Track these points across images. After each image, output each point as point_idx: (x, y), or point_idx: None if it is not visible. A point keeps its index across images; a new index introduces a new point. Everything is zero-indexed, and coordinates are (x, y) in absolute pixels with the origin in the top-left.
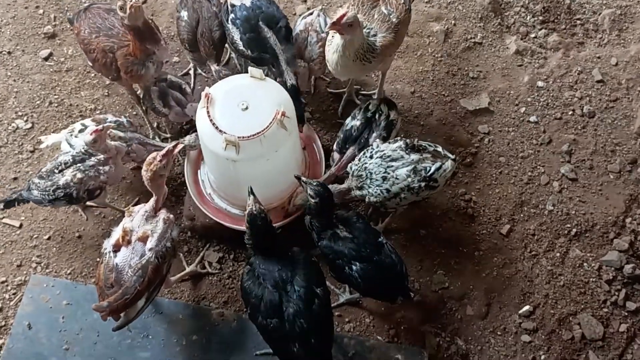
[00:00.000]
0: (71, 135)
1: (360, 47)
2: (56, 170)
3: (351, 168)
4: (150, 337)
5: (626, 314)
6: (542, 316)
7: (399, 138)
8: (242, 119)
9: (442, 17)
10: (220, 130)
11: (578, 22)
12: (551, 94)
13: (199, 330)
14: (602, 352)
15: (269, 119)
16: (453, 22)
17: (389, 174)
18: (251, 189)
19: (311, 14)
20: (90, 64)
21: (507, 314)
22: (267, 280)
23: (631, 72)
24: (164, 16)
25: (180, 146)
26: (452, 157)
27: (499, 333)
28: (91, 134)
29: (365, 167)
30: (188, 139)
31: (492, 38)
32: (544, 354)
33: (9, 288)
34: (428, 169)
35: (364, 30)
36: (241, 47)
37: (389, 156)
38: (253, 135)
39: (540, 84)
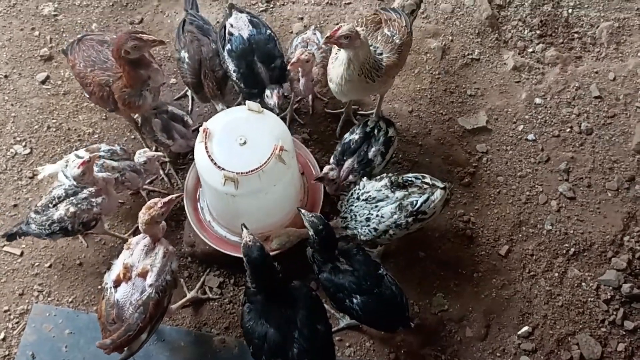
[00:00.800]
0: (66, 166)
1: (366, 62)
2: (50, 205)
3: (340, 206)
4: None
5: (624, 333)
6: (541, 337)
7: (384, 175)
8: (240, 154)
9: (440, 33)
10: (219, 166)
11: (576, 35)
12: (549, 111)
13: (201, 357)
14: None
15: (267, 154)
16: (450, 38)
17: (372, 214)
18: (244, 224)
19: (306, 33)
20: (87, 96)
21: (506, 335)
22: (269, 320)
23: (629, 87)
24: (160, 37)
25: (178, 196)
26: (442, 185)
27: (498, 354)
28: (78, 167)
29: (351, 210)
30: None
31: (489, 54)
32: None
33: (11, 317)
34: (415, 202)
35: (371, 47)
36: (234, 79)
37: (374, 197)
38: (251, 171)
39: (538, 100)
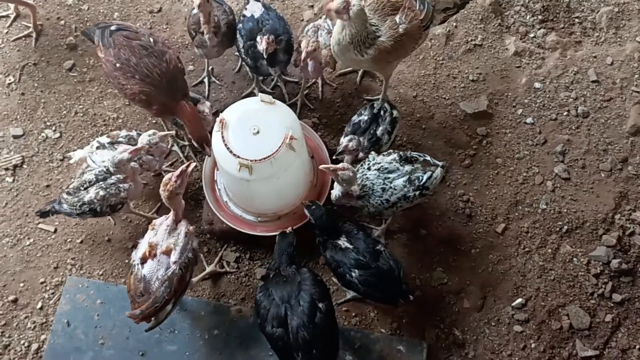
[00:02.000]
0: (91, 152)
1: (357, 34)
2: (82, 188)
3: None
4: (176, 332)
5: (612, 305)
6: (533, 308)
7: (392, 151)
8: (253, 142)
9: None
10: (234, 154)
11: (576, 20)
12: (547, 95)
13: (220, 325)
14: (588, 341)
15: (279, 143)
16: (454, 24)
17: (387, 185)
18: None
19: (317, 20)
20: (114, 85)
21: (501, 307)
22: (275, 294)
23: (626, 72)
24: (177, 25)
25: (192, 165)
26: (440, 164)
27: (493, 324)
28: (129, 152)
29: (367, 178)
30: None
31: (492, 39)
32: (534, 342)
33: (47, 288)
34: (421, 178)
35: (369, 21)
36: (243, 55)
37: (386, 168)
38: (264, 158)
39: (537, 85)
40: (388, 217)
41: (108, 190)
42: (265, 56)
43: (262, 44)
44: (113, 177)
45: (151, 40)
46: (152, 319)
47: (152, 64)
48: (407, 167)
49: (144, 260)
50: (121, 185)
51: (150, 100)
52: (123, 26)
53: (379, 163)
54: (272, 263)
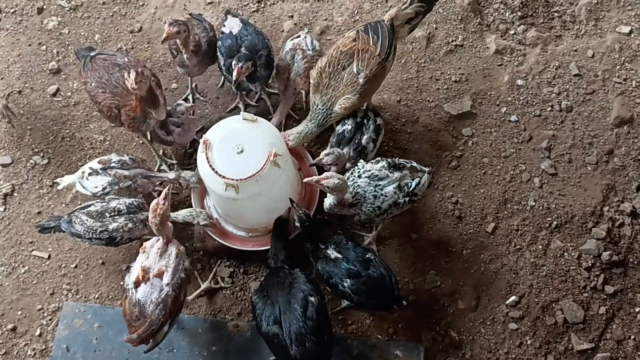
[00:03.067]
0: (82, 178)
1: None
2: (107, 214)
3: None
4: (175, 350)
5: (605, 297)
6: (527, 305)
7: (380, 158)
8: (238, 162)
9: (424, 21)
10: (220, 175)
11: (555, 14)
12: (530, 92)
13: (218, 341)
14: (583, 334)
15: (263, 160)
16: (434, 26)
17: (378, 192)
18: (291, 199)
19: (299, 36)
20: (97, 109)
21: (495, 305)
22: (270, 294)
23: (607, 63)
24: (159, 43)
25: (169, 186)
26: (427, 170)
27: (488, 323)
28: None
29: (359, 186)
30: (188, 177)
31: (472, 39)
32: (529, 339)
33: (45, 315)
34: (409, 184)
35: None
36: (224, 73)
37: (376, 176)
38: (250, 176)
39: (519, 82)
40: (378, 224)
41: (137, 225)
42: (233, 86)
43: (234, 73)
44: (144, 213)
45: (125, 59)
46: (150, 341)
47: (121, 76)
48: (397, 174)
49: (137, 285)
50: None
51: (118, 116)
52: (102, 52)
53: (369, 170)
54: (271, 251)
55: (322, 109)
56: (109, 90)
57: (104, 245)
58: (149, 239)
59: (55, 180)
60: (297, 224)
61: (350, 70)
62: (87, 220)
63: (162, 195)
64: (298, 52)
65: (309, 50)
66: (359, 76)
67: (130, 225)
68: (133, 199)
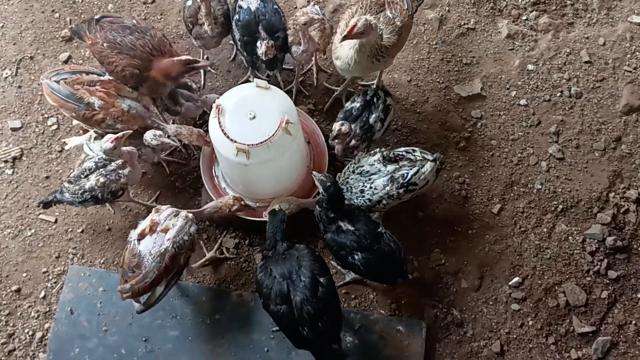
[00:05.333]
0: (89, 140)
1: (375, 45)
2: (82, 176)
3: (339, 178)
4: (178, 317)
5: (607, 281)
6: (530, 286)
7: (377, 150)
8: (250, 127)
9: (437, 4)
10: (231, 139)
11: (568, 2)
12: (541, 77)
13: (221, 310)
14: (584, 317)
15: (275, 127)
16: (447, 8)
17: (366, 186)
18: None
19: (305, 7)
20: (106, 72)
21: (498, 286)
22: (276, 272)
23: (618, 52)
24: (172, 15)
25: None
26: (432, 158)
27: (490, 303)
28: (111, 142)
29: (347, 182)
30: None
31: (484, 23)
32: (531, 320)
33: (50, 277)
34: (405, 175)
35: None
36: (239, 47)
37: (367, 171)
38: (261, 142)
39: (530, 67)
40: (379, 211)
41: (108, 176)
42: (264, 59)
43: (261, 48)
44: (112, 163)
45: (134, 21)
46: (142, 300)
47: (135, 38)
48: (390, 167)
49: (141, 237)
50: (121, 171)
51: (140, 76)
52: (106, 14)
53: (362, 166)
54: (267, 243)
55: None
56: (125, 52)
57: (95, 205)
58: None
59: (63, 140)
60: (321, 190)
61: (384, 14)
62: (69, 186)
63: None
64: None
65: (317, 14)
66: (396, 20)
67: (102, 179)
68: (98, 154)
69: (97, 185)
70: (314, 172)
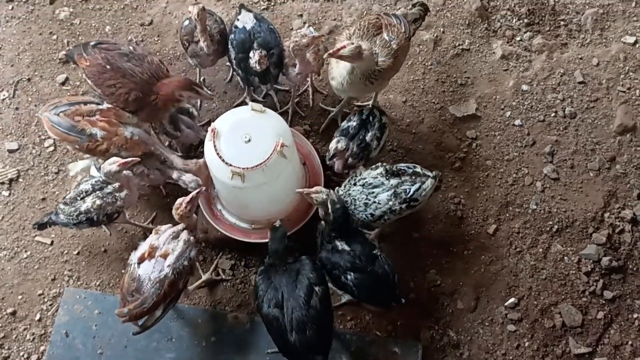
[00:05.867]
0: (96, 161)
1: (367, 69)
2: (78, 198)
3: (338, 192)
4: (173, 340)
5: (603, 302)
6: (526, 307)
7: (379, 164)
8: (245, 150)
9: (432, 25)
10: (227, 163)
11: (562, 22)
12: (535, 97)
13: (217, 332)
14: (581, 338)
15: (270, 150)
16: (442, 29)
17: (370, 200)
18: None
19: (300, 29)
20: (102, 94)
21: (494, 306)
22: (274, 278)
23: (611, 72)
24: (169, 37)
25: (202, 189)
26: (432, 175)
27: (487, 324)
28: (117, 165)
29: (350, 194)
30: (188, 181)
31: (479, 43)
32: (527, 341)
33: (45, 300)
34: (408, 190)
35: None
36: (234, 66)
37: (370, 184)
38: (256, 165)
39: (524, 87)
40: (379, 227)
41: (105, 199)
42: (258, 70)
43: (254, 57)
44: (109, 186)
45: (130, 48)
46: (140, 323)
47: (134, 65)
48: (393, 181)
49: (141, 260)
50: (117, 195)
51: (141, 102)
52: (102, 40)
53: (364, 179)
54: (267, 259)
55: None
56: (128, 78)
57: (90, 227)
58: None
59: (66, 166)
60: (330, 208)
61: (381, 37)
62: (64, 208)
63: (188, 198)
64: (303, 31)
65: (312, 33)
66: (392, 42)
67: (98, 202)
68: (99, 177)
69: (93, 207)
70: (331, 192)
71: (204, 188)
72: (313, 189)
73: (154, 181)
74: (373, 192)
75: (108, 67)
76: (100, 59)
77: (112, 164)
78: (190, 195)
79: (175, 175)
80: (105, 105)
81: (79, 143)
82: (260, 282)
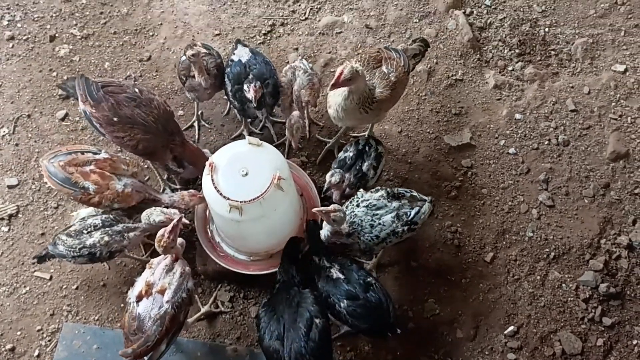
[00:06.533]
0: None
1: (363, 93)
2: (84, 231)
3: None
4: None
5: (603, 329)
6: (525, 335)
7: (379, 188)
8: (243, 184)
9: (425, 56)
10: (224, 196)
11: (552, 52)
12: (528, 125)
13: None
14: None
15: (267, 184)
16: (435, 60)
17: (375, 222)
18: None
19: (294, 61)
20: (109, 138)
21: (494, 335)
22: (277, 310)
23: (603, 100)
24: (167, 72)
25: (183, 220)
26: (428, 199)
27: (486, 352)
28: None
29: (355, 215)
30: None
31: (472, 74)
32: None
33: (44, 335)
34: (409, 213)
35: (368, 81)
36: (230, 98)
37: (374, 205)
38: (253, 199)
39: (518, 116)
40: (378, 252)
41: (113, 237)
42: (254, 103)
43: (250, 92)
44: (120, 225)
45: (136, 90)
46: (146, 358)
47: (144, 112)
48: (395, 203)
49: (139, 299)
50: (126, 234)
51: (151, 148)
52: (107, 82)
53: (367, 200)
54: (281, 266)
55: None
56: (137, 127)
57: (88, 263)
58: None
59: (70, 214)
60: (306, 235)
61: (380, 70)
62: (66, 239)
63: (169, 227)
64: (298, 69)
65: (307, 69)
66: (390, 75)
67: (106, 238)
68: (110, 214)
69: (101, 243)
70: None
71: (183, 216)
72: (331, 207)
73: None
74: (377, 214)
75: (116, 119)
76: (107, 109)
77: (163, 231)
78: (170, 225)
79: (166, 199)
80: (102, 155)
81: (73, 195)
82: (264, 314)
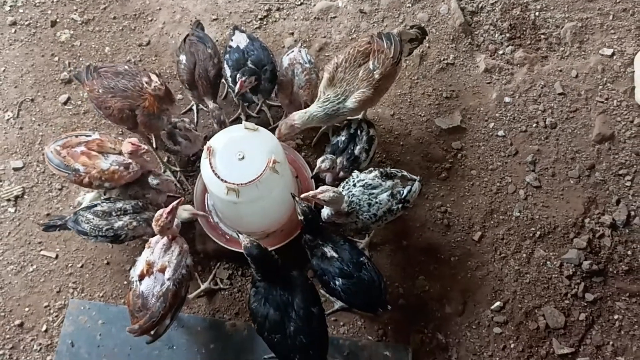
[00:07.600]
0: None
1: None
2: (114, 213)
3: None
4: (174, 347)
5: (585, 304)
6: (511, 310)
7: (373, 168)
8: (239, 167)
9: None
10: (222, 179)
11: (542, 36)
12: (517, 109)
13: (216, 339)
14: (564, 339)
15: (263, 167)
16: (427, 44)
17: (372, 200)
18: (238, 232)
19: (292, 51)
20: (104, 116)
21: (481, 310)
22: (270, 302)
23: (590, 83)
24: (166, 56)
25: (182, 201)
26: (417, 179)
27: (474, 327)
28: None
29: (353, 194)
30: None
31: (463, 58)
32: (513, 342)
33: (51, 311)
34: (401, 192)
35: (335, 97)
36: (230, 84)
37: (369, 184)
38: (250, 181)
39: (507, 99)
40: (371, 231)
41: (141, 223)
42: (235, 97)
43: (237, 85)
44: (148, 213)
45: (125, 67)
46: (151, 332)
47: (126, 81)
48: (389, 183)
49: (141, 277)
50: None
51: (133, 116)
52: (102, 65)
53: (363, 180)
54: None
55: (334, 101)
56: (118, 95)
57: (108, 243)
58: (147, 240)
59: (77, 200)
60: (301, 217)
61: (366, 67)
62: (93, 219)
63: (169, 208)
64: (297, 66)
65: (305, 63)
66: (375, 72)
67: (134, 223)
68: (137, 200)
69: (129, 227)
70: (297, 199)
71: (183, 199)
72: (318, 190)
73: (153, 201)
74: (373, 193)
75: (101, 90)
76: (96, 85)
77: (162, 212)
78: (170, 206)
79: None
80: (93, 137)
81: (68, 178)
82: (258, 308)
